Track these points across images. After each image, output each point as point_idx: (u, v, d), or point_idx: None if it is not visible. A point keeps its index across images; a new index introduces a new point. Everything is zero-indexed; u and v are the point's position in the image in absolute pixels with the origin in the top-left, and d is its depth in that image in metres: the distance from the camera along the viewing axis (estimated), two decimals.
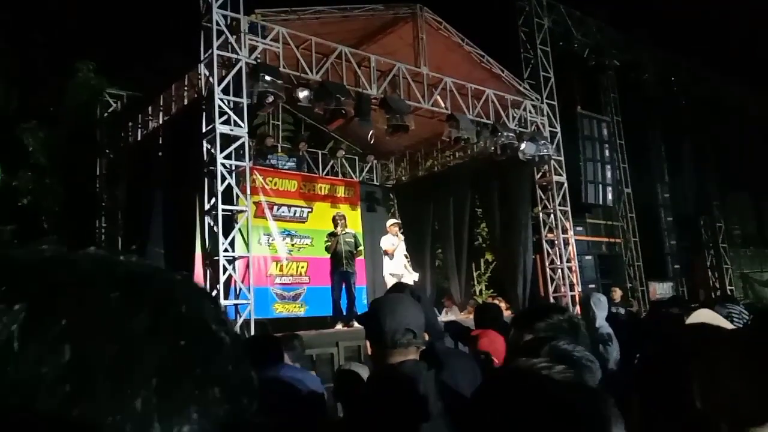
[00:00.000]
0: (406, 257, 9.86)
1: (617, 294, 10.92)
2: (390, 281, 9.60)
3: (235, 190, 7.57)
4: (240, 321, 7.22)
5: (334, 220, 9.21)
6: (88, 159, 11.56)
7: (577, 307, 10.74)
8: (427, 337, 1.96)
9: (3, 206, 11.87)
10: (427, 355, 1.93)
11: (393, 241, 9.61)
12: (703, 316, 2.42)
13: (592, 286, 12.16)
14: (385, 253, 9.62)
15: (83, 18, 13.67)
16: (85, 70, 12.03)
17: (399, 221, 10.05)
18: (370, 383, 1.98)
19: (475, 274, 14.26)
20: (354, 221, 12.44)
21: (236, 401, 0.36)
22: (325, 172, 12.94)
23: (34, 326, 0.32)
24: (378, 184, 13.95)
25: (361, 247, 9.92)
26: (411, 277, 9.64)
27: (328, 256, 9.15)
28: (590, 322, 5.05)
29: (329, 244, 9.04)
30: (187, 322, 0.37)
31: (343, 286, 8.99)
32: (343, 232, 9.01)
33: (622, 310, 10.60)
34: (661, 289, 14.23)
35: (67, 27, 13.32)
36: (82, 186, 11.70)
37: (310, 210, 12.22)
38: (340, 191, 12.89)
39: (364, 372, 2.91)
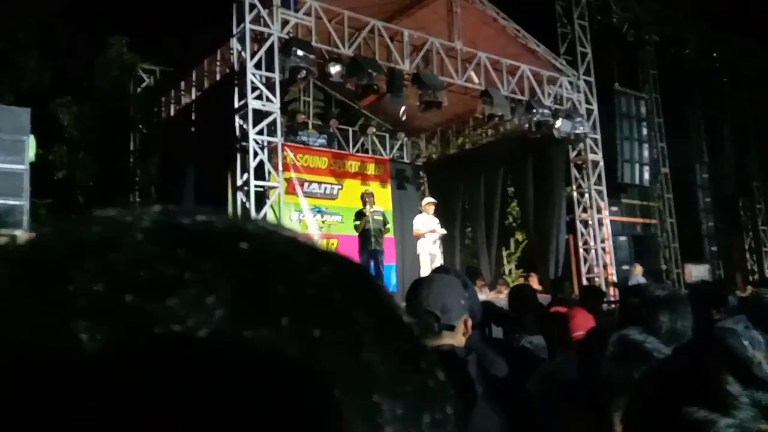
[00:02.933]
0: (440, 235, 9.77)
1: (638, 269, 10.82)
2: (424, 260, 9.53)
3: (267, 166, 7.55)
4: None
5: (363, 198, 9.13)
6: (121, 134, 11.68)
7: (611, 288, 10.60)
8: (469, 325, 1.86)
9: (39, 180, 12.07)
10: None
11: (425, 221, 9.53)
12: None
13: (626, 267, 11.93)
14: (416, 236, 9.55)
15: None
16: (118, 45, 12.10)
17: (435, 201, 9.91)
18: None
19: (504, 254, 14.11)
20: (384, 199, 12.37)
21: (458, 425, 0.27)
22: (355, 149, 12.84)
23: (251, 316, 0.24)
24: (408, 161, 13.81)
25: (390, 225, 9.84)
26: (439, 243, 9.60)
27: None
28: None
29: (358, 223, 8.98)
30: (400, 324, 0.28)
31: (372, 265, 8.94)
32: (372, 210, 8.93)
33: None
34: (697, 272, 13.90)
35: (100, 1, 13.37)
36: (116, 161, 11.84)
37: (340, 187, 12.18)
38: (371, 168, 12.80)
39: None
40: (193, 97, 9.93)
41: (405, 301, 1.96)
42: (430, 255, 9.58)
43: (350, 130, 12.81)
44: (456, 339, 1.84)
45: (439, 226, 9.57)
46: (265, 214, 7.37)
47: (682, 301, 1.79)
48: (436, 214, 9.81)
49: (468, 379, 1.73)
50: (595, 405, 1.31)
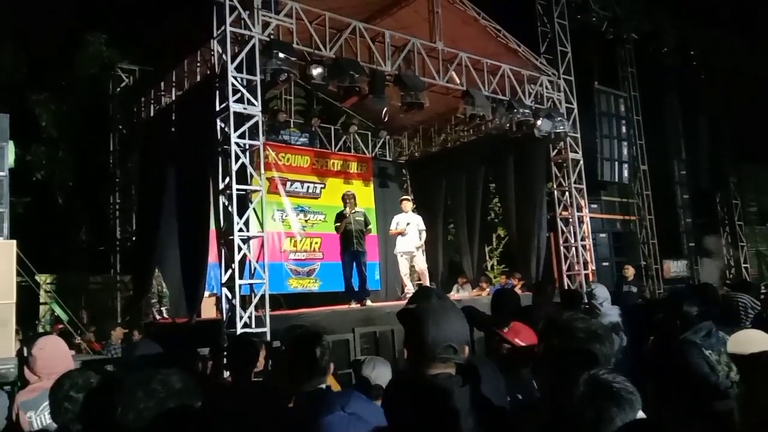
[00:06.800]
0: (420, 232, 9.81)
1: (630, 272, 10.92)
2: (401, 260, 9.67)
3: (249, 169, 7.51)
4: (255, 299, 7.24)
5: (344, 200, 9.17)
6: (101, 134, 11.55)
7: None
8: (467, 351, 1.91)
9: (17, 180, 11.88)
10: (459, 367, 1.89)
11: (398, 220, 9.66)
12: (753, 339, 2.34)
13: (606, 264, 12.11)
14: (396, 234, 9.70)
15: None
16: (96, 43, 11.93)
17: (408, 197, 10.04)
18: (400, 391, 1.94)
19: (486, 250, 14.20)
20: (367, 197, 12.41)
21: None
22: (337, 148, 12.85)
23: None
24: (391, 159, 13.85)
25: (372, 225, 9.90)
26: (419, 244, 9.69)
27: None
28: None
29: (338, 225, 9.02)
30: None
31: (354, 265, 8.99)
32: (353, 212, 8.98)
33: (634, 289, 10.64)
34: (675, 267, 14.14)
35: None
36: (96, 161, 11.71)
37: (323, 186, 12.19)
38: (353, 167, 12.82)
39: (385, 370, 2.87)
40: (174, 97, 9.85)
41: (409, 328, 1.98)
42: (406, 254, 9.68)
43: (332, 128, 12.81)
44: (449, 366, 1.88)
45: (407, 224, 9.64)
46: (247, 218, 7.37)
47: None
48: (420, 211, 9.90)
49: (461, 410, 1.76)
50: None
